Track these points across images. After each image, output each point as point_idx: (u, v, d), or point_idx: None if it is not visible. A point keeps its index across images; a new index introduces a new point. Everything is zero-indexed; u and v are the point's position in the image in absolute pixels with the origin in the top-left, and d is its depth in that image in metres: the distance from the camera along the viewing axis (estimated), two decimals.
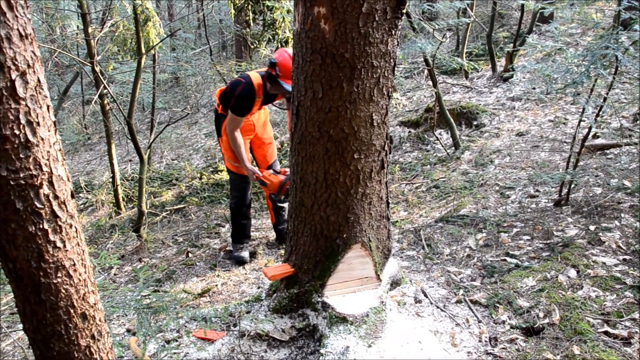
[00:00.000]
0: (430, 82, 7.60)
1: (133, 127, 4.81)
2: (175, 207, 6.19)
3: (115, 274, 4.70)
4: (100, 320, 1.57)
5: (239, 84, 3.84)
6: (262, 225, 5.29)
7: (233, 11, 6.89)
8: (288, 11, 6.68)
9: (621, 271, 3.25)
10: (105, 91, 5.56)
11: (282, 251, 4.51)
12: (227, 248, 4.76)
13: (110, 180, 6.47)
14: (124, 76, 9.67)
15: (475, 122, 6.80)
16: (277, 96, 4.06)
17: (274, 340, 2.87)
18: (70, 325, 1.46)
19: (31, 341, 1.52)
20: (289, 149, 2.86)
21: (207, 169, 7.55)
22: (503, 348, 2.73)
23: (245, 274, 4.26)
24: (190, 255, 4.76)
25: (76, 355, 1.52)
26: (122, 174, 7.70)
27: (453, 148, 6.27)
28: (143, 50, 4.54)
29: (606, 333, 2.72)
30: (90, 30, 5.34)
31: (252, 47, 6.88)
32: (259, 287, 3.98)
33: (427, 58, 5.82)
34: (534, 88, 7.27)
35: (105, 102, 5.88)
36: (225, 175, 6.96)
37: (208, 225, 5.44)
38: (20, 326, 3.73)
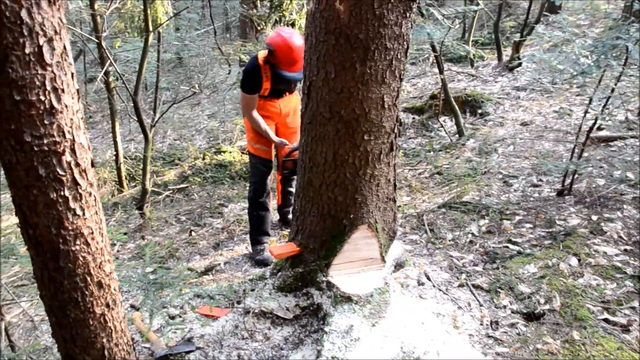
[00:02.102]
0: (435, 69, 7.58)
1: (139, 105, 4.81)
2: (178, 187, 6.22)
3: (118, 251, 4.74)
4: (114, 290, 1.59)
5: (248, 61, 3.78)
6: None
7: None
8: None
9: (622, 261, 3.28)
10: (110, 68, 5.54)
11: (285, 232, 4.55)
12: (230, 227, 4.79)
13: (114, 158, 6.47)
14: (127, 55, 9.61)
15: (479, 111, 6.81)
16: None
17: (278, 318, 2.91)
18: (87, 292, 1.49)
19: (47, 308, 1.54)
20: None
21: (210, 150, 7.55)
22: (504, 332, 2.77)
23: (246, 255, 4.28)
24: (193, 234, 4.79)
25: (91, 322, 1.54)
26: (124, 152, 7.70)
27: (457, 135, 6.28)
28: (150, 28, 4.52)
29: (606, 320, 2.76)
30: (96, 6, 5.31)
31: (258, 28, 6.85)
32: (261, 267, 4.01)
33: (435, 44, 5.80)
34: (539, 79, 7.27)
35: (110, 79, 5.87)
36: (228, 156, 6.97)
37: (211, 205, 5.47)
38: (24, 298, 3.77)
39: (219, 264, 4.13)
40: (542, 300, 2.97)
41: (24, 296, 3.79)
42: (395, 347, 2.47)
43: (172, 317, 3.24)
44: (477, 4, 7.65)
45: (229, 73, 11.85)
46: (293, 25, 6.88)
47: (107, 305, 1.56)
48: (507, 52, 8.40)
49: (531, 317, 2.86)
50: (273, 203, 5.25)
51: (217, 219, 5.13)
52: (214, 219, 5.12)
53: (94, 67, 12.05)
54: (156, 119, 5.14)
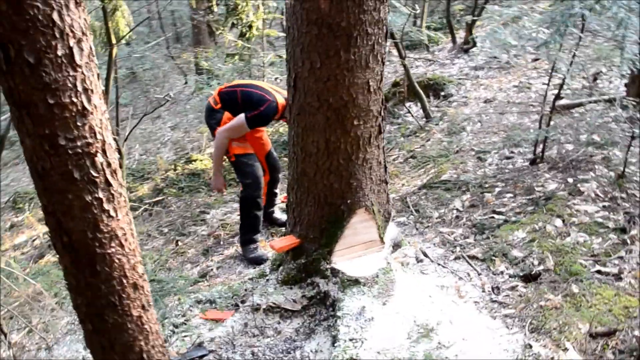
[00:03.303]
0: (393, 58, 7.72)
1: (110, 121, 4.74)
2: (154, 200, 6.14)
3: None
4: (147, 291, 1.60)
5: (265, 101, 3.77)
6: None
7: None
8: None
9: (603, 217, 3.44)
10: None
11: (273, 230, 4.56)
12: (216, 233, 4.78)
13: None
14: None
15: (442, 93, 6.96)
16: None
17: (286, 311, 2.94)
18: (124, 295, 1.49)
19: (83, 316, 1.54)
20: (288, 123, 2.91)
21: (180, 160, 7.49)
22: (506, 295, 2.87)
23: (238, 258, 4.28)
24: (179, 243, 4.76)
25: (129, 326, 1.55)
26: None
27: (424, 119, 6.41)
28: (113, 41, 4.47)
29: (599, 272, 2.90)
30: None
31: (216, 32, 6.84)
32: (254, 267, 4.02)
33: (394, 31, 5.91)
34: (496, 57, 7.49)
35: None
36: (200, 165, 6.92)
37: (192, 214, 5.43)
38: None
39: (212, 269, 4.12)
40: (535, 262, 3.08)
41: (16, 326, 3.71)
42: (408, 321, 2.54)
43: (177, 326, 3.22)
44: None
45: (185, 83, 11.76)
46: (250, 27, 6.89)
47: (143, 307, 1.57)
48: (459, 35, 8.61)
49: (529, 278, 2.97)
50: None
51: (200, 226, 5.10)
52: (197, 227, 5.09)
53: None
54: (127, 133, 5.08)
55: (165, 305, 2.75)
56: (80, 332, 3.09)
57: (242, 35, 6.94)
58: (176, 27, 15.01)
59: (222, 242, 4.62)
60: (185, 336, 3.06)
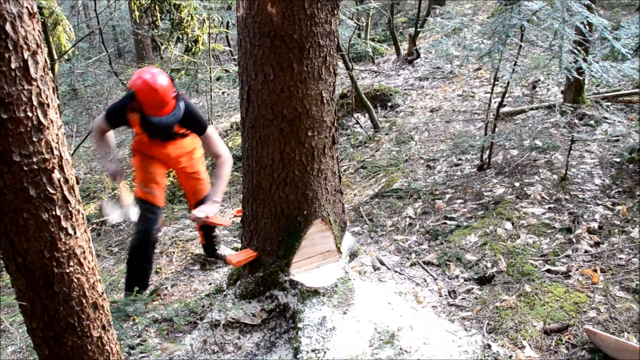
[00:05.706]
0: (340, 70, 7.81)
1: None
2: (102, 219, 5.95)
3: None
4: (107, 310, 1.55)
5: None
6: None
7: (137, 13, 6.69)
8: (195, 8, 6.60)
9: (549, 218, 3.58)
10: None
11: (219, 264, 4.40)
12: (168, 250, 4.67)
13: None
14: None
15: (389, 103, 7.09)
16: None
17: (246, 325, 2.90)
18: (83, 316, 1.44)
19: (39, 341, 1.47)
20: (240, 135, 2.89)
21: (128, 178, 7.30)
22: (462, 298, 2.94)
23: (192, 275, 4.20)
24: None
25: (89, 347, 1.49)
26: None
27: (373, 129, 6.50)
28: (55, 56, 4.33)
29: (549, 271, 3.01)
30: None
31: (161, 47, 6.73)
32: (210, 284, 3.96)
33: (340, 44, 5.99)
34: (439, 67, 7.70)
35: None
36: None
37: None
38: None
39: (166, 287, 4.03)
40: (489, 265, 3.17)
41: None
42: (369, 329, 2.55)
43: (133, 347, 3.12)
44: (369, 3, 7.97)
45: None
46: (196, 42, 6.82)
47: (103, 327, 1.51)
48: (403, 46, 8.81)
49: (483, 280, 3.05)
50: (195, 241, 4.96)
51: None
52: None
53: None
54: (72, 151, 4.92)
55: (121, 327, 2.66)
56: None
57: (187, 50, 6.85)
58: (118, 43, 14.71)
59: (174, 260, 4.52)
60: (142, 357, 2.97)
